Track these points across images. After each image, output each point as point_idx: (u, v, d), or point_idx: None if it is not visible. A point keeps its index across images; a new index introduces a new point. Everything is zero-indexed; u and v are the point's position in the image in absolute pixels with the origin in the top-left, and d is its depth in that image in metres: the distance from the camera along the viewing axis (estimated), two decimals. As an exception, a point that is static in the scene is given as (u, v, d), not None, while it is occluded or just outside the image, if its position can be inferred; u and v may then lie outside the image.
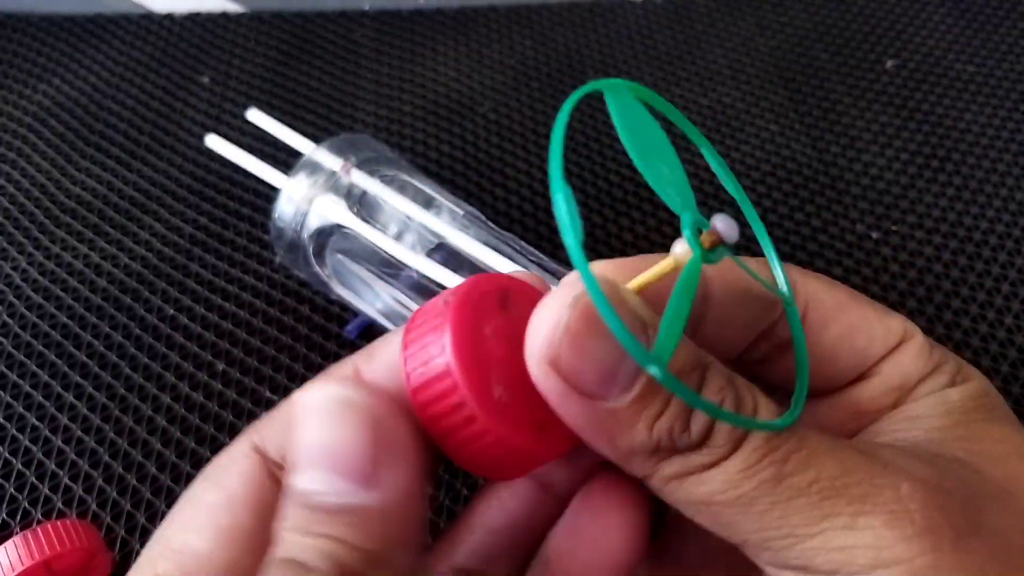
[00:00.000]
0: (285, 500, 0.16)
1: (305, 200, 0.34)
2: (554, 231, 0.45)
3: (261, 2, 0.61)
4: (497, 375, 0.15)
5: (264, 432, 0.18)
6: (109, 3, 0.61)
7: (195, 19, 0.60)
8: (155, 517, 0.33)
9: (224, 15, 0.60)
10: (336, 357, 0.39)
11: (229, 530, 0.17)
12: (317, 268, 0.36)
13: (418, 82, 0.55)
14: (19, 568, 0.28)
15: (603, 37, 0.58)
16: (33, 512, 0.34)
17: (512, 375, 0.15)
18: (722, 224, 0.14)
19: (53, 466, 0.35)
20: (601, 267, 0.18)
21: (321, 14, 0.60)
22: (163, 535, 0.17)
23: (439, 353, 0.14)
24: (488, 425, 0.14)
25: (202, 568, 0.16)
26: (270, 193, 0.36)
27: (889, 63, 0.56)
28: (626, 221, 0.45)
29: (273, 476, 0.17)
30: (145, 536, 0.33)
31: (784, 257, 0.43)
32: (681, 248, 0.14)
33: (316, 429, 0.15)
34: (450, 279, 0.32)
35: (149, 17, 0.60)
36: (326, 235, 0.35)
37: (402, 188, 0.36)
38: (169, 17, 0.60)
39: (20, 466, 0.35)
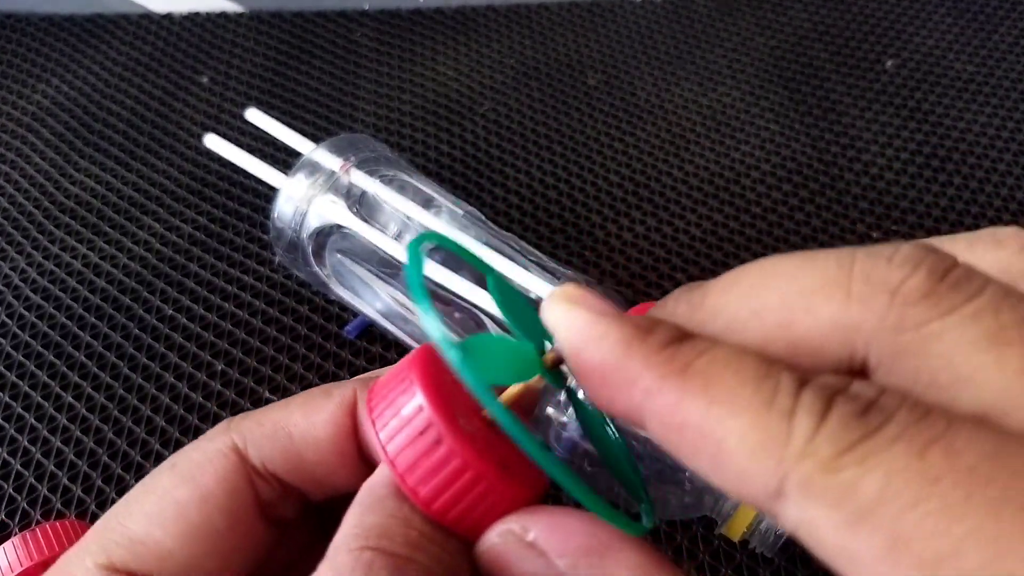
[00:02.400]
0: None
1: (304, 200, 0.34)
2: (554, 231, 0.45)
3: (260, 2, 0.61)
4: (460, 412, 0.15)
5: (247, 435, 0.17)
6: (108, 3, 0.61)
7: (194, 19, 0.60)
8: (154, 518, 0.33)
9: (223, 15, 0.60)
10: (335, 357, 0.39)
11: (198, 529, 0.16)
12: (316, 268, 0.36)
13: (418, 82, 0.55)
14: (18, 568, 0.28)
15: (602, 37, 0.58)
16: (32, 513, 0.34)
17: (473, 420, 0.16)
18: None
19: (52, 467, 0.35)
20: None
21: (321, 14, 0.60)
22: (119, 522, 0.16)
23: (407, 389, 0.15)
24: (454, 446, 0.14)
25: (162, 564, 0.16)
26: (269, 193, 0.36)
27: (889, 63, 0.56)
28: (625, 221, 0.45)
29: (251, 482, 0.17)
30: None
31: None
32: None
33: None
34: (450, 279, 0.32)
35: (148, 17, 0.60)
36: (325, 235, 0.35)
37: (402, 188, 0.36)
38: (168, 17, 0.60)
39: (19, 467, 0.35)
